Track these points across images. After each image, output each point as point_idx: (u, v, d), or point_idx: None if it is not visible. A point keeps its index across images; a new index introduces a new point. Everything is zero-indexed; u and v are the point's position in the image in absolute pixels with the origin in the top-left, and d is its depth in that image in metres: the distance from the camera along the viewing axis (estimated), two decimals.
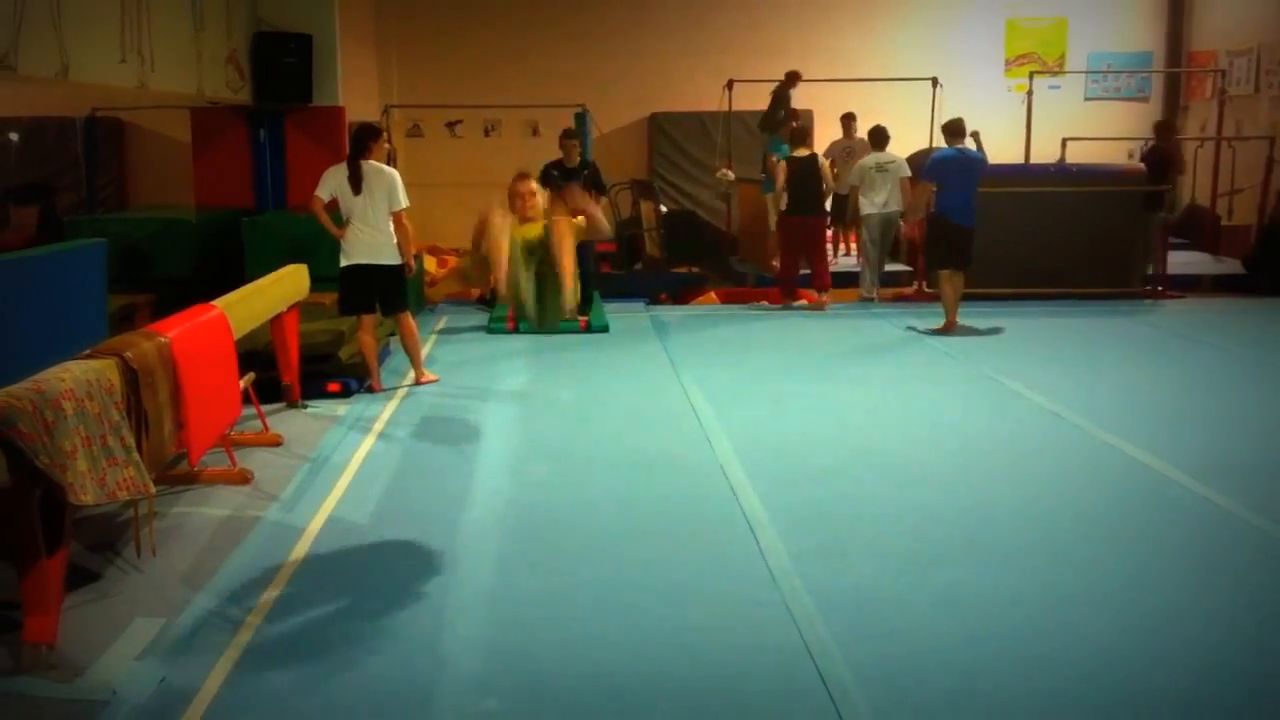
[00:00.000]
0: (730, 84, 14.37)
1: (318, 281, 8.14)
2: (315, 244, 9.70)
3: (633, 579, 4.88)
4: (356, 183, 8.12)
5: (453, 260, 14.48)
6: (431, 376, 8.64)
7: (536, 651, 4.22)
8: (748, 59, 15.62)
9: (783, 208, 11.92)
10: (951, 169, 10.39)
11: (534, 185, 5.53)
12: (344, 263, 8.25)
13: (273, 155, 11.48)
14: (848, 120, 14.04)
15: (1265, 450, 6.74)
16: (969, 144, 10.81)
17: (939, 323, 10.54)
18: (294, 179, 11.54)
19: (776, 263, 12.72)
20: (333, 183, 8.22)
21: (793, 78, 13.80)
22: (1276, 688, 3.96)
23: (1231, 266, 13.23)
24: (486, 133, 15.86)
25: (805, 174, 11.79)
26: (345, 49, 11.86)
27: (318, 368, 8.09)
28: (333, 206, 8.26)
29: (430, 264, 13.77)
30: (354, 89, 12.72)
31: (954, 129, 10.52)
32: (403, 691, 3.92)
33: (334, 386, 8.15)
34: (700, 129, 16.15)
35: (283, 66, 10.90)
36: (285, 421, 7.39)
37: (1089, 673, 4.02)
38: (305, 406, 7.80)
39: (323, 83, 11.34)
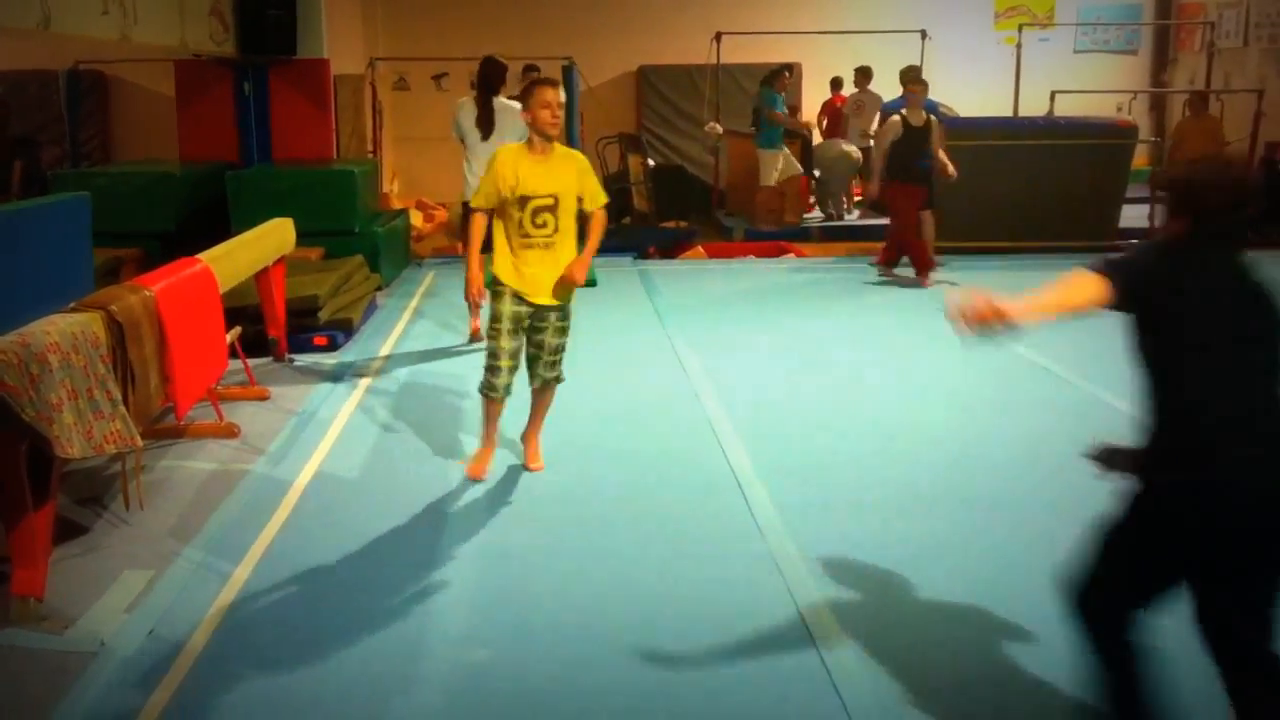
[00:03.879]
0: (718, 36, 14.26)
1: (303, 236, 8.10)
2: (300, 198, 9.67)
3: (621, 531, 4.91)
4: (487, 125, 7.82)
5: (440, 214, 14.41)
6: None
7: (526, 602, 4.25)
8: (735, 10, 15.51)
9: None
10: None
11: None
12: (468, 199, 8.00)
13: (257, 108, 11.38)
14: (859, 74, 14.05)
15: None
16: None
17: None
18: (278, 132, 11.47)
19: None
20: (463, 122, 7.93)
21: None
22: None
23: None
24: (473, 85, 15.69)
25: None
26: (330, 0, 11.74)
27: (304, 322, 8.07)
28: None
29: (417, 219, 13.72)
30: (339, 41, 12.61)
31: (907, 77, 11.18)
32: (392, 643, 3.94)
33: (320, 340, 8.13)
34: (688, 82, 16.05)
35: (267, 18, 10.76)
36: (272, 376, 7.38)
37: None
38: (292, 361, 7.79)
39: (307, 35, 11.23)
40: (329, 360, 7.88)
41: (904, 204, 10.47)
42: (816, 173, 13.97)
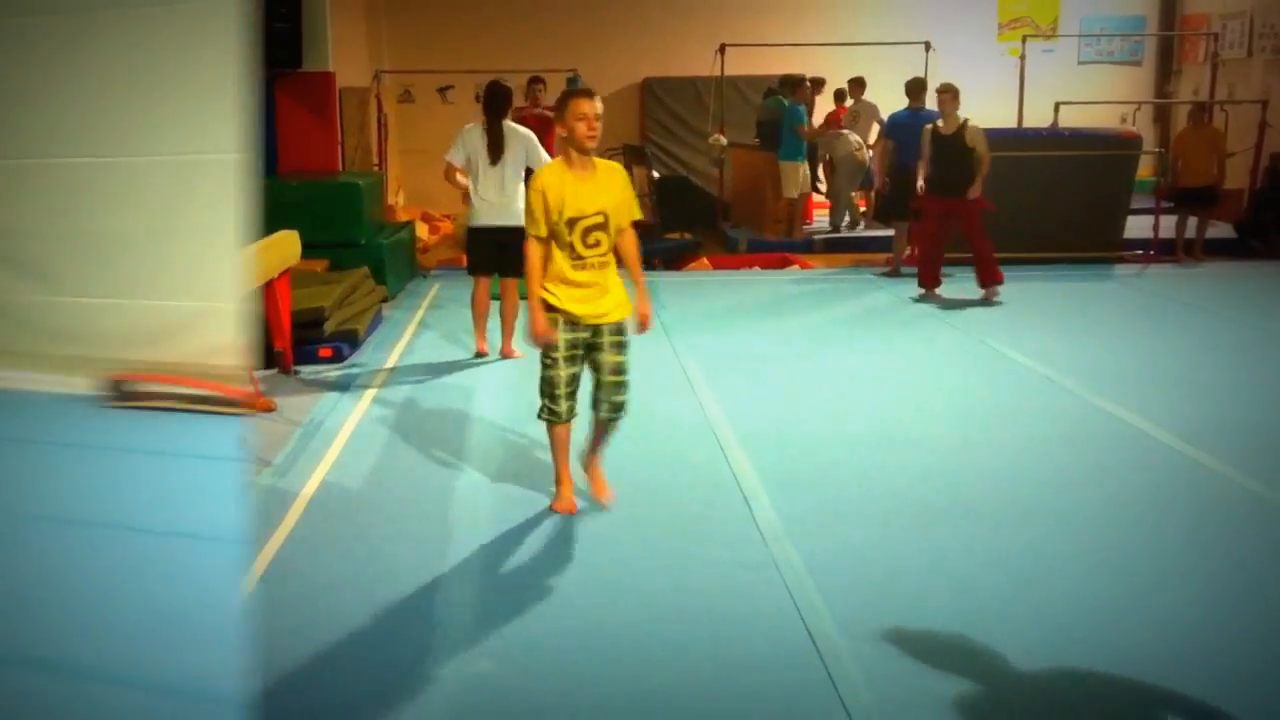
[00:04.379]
0: (723, 49, 14.30)
1: (308, 248, 8.12)
2: (305, 210, 9.69)
3: (625, 540, 4.91)
4: (496, 150, 7.70)
5: (445, 226, 14.44)
6: (518, 353, 8.01)
7: (529, 614, 4.24)
8: (740, 23, 15.57)
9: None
10: (906, 129, 10.96)
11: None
12: (473, 223, 7.95)
13: (262, 121, 11.41)
14: (854, 84, 14.10)
15: (1254, 413, 6.77)
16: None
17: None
18: (284, 145, 11.50)
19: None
20: (469, 146, 7.81)
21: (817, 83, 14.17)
22: (1266, 642, 4.00)
23: (1223, 230, 13.22)
24: (478, 98, 15.66)
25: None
26: (335, 13, 11.79)
27: (309, 333, 8.08)
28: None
29: (423, 230, 13.75)
30: (344, 54, 12.66)
31: (911, 89, 11.28)
32: (396, 655, 3.94)
33: (326, 352, 8.13)
34: (693, 94, 16.11)
35: (272, 31, 10.82)
36: (277, 387, 7.39)
37: (1078, 631, 4.05)
38: (297, 373, 7.80)
39: (313, 47, 11.27)
40: (334, 372, 7.89)
41: (927, 215, 10.38)
42: (827, 156, 13.96)
